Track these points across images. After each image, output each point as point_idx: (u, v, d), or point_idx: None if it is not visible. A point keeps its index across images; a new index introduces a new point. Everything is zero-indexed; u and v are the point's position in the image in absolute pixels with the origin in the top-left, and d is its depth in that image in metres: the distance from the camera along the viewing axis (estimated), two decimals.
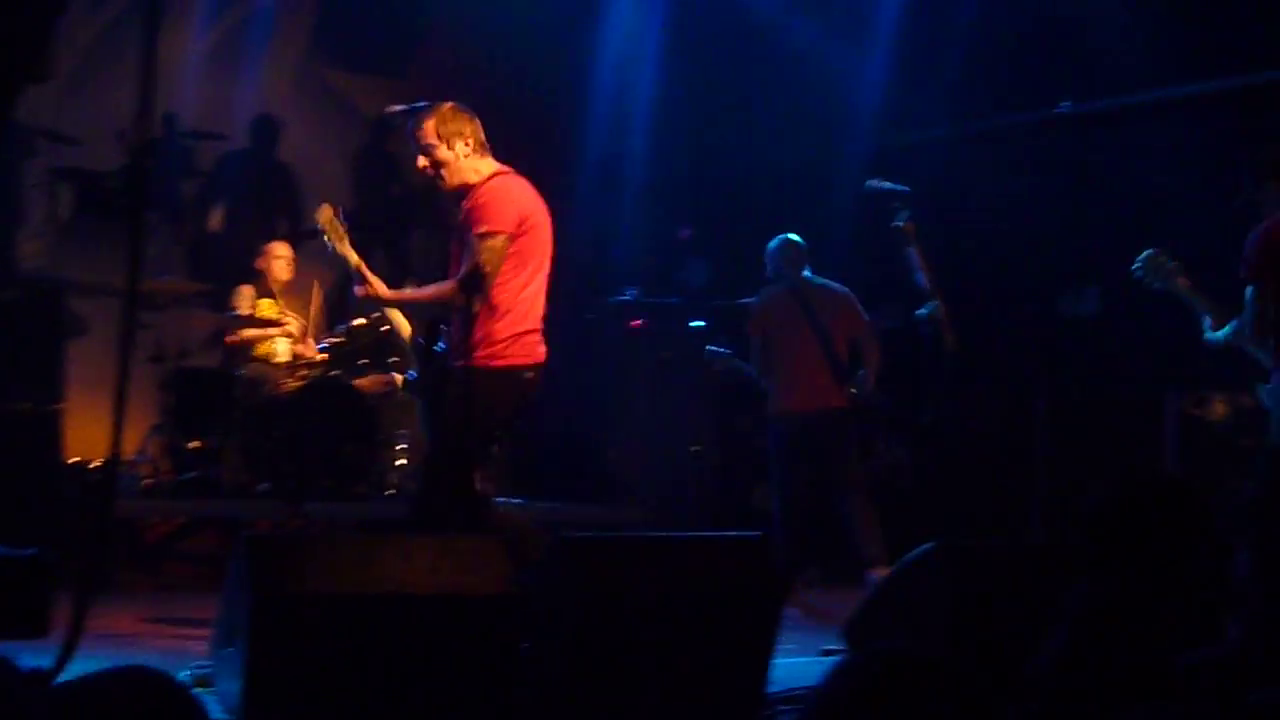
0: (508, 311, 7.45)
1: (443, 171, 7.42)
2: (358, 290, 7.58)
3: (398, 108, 7.59)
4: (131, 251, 4.57)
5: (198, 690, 6.11)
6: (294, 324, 11.58)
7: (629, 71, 13.91)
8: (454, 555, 5.72)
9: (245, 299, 11.57)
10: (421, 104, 7.32)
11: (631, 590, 5.98)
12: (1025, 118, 12.63)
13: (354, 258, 7.61)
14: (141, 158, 5.14)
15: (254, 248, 11.97)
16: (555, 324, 13.69)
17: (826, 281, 10.64)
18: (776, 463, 10.43)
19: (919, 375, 10.23)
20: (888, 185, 9.13)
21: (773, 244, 10.60)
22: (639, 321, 11.99)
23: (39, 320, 10.53)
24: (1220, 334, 7.69)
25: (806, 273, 10.56)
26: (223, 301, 11.76)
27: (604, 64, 13.92)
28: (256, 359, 11.45)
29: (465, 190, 7.45)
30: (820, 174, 13.27)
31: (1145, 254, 7.96)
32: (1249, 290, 7.28)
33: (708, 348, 11.05)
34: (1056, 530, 9.33)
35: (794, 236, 10.59)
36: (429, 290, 7.65)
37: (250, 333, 11.50)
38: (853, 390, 10.33)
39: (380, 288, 7.55)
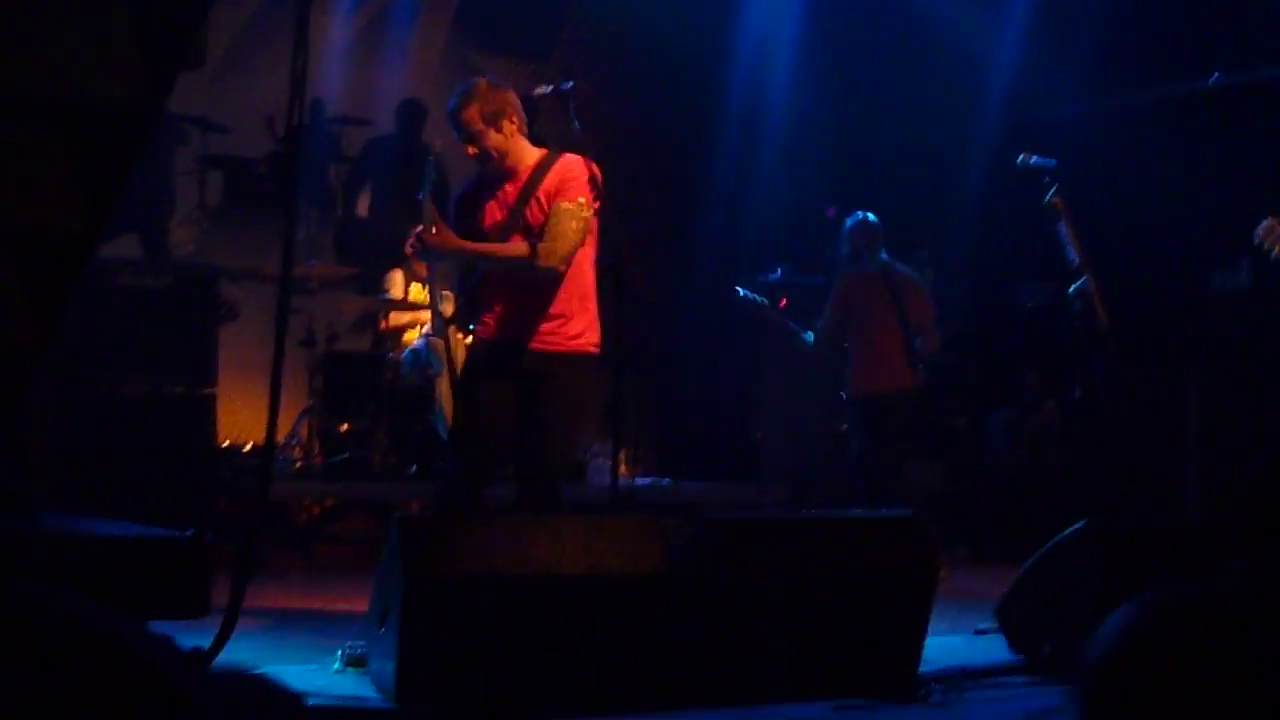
0: (588, 291, 7.23)
1: (495, 155, 7.11)
2: (426, 238, 7.22)
3: (544, 89, 7.51)
4: (284, 237, 4.61)
5: (351, 670, 6.19)
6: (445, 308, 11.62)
7: (769, 50, 13.87)
8: (606, 535, 5.73)
9: (397, 284, 11.63)
10: (567, 84, 7.26)
11: (781, 570, 5.97)
12: (1173, 90, 12.47)
13: (431, 206, 7.34)
14: (291, 144, 5.16)
15: (401, 232, 12.03)
16: (699, 303, 13.79)
17: (904, 267, 10.70)
18: (858, 439, 10.41)
19: (1069, 353, 10.11)
20: (1036, 160, 8.99)
21: (850, 222, 10.57)
22: (785, 301, 11.93)
23: (191, 306, 10.64)
24: None
25: (883, 255, 10.52)
26: (371, 285, 11.84)
27: (744, 43, 13.89)
28: (407, 343, 11.53)
29: (519, 168, 7.19)
30: (959, 150, 13.18)
31: (1264, 222, 7.92)
32: None
33: (739, 290, 10.90)
34: (1211, 508, 9.20)
35: (872, 216, 10.54)
36: (503, 249, 7.15)
37: (402, 317, 11.57)
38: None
39: (450, 236, 7.22)
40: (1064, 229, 8.73)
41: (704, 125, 13.92)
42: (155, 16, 3.45)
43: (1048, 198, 8.67)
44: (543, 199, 7.12)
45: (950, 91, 13.34)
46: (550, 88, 7.39)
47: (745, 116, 13.94)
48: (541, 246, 7.01)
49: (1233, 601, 2.47)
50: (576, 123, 7.11)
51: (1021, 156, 9.05)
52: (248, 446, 11.01)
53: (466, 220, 7.27)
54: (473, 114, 7.10)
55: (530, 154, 7.21)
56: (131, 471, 9.60)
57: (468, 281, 7.53)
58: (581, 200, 7.05)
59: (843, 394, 10.60)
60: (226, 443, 11.03)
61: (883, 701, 5.90)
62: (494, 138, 7.10)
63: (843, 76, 13.71)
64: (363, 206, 13.35)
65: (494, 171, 7.20)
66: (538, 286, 7.13)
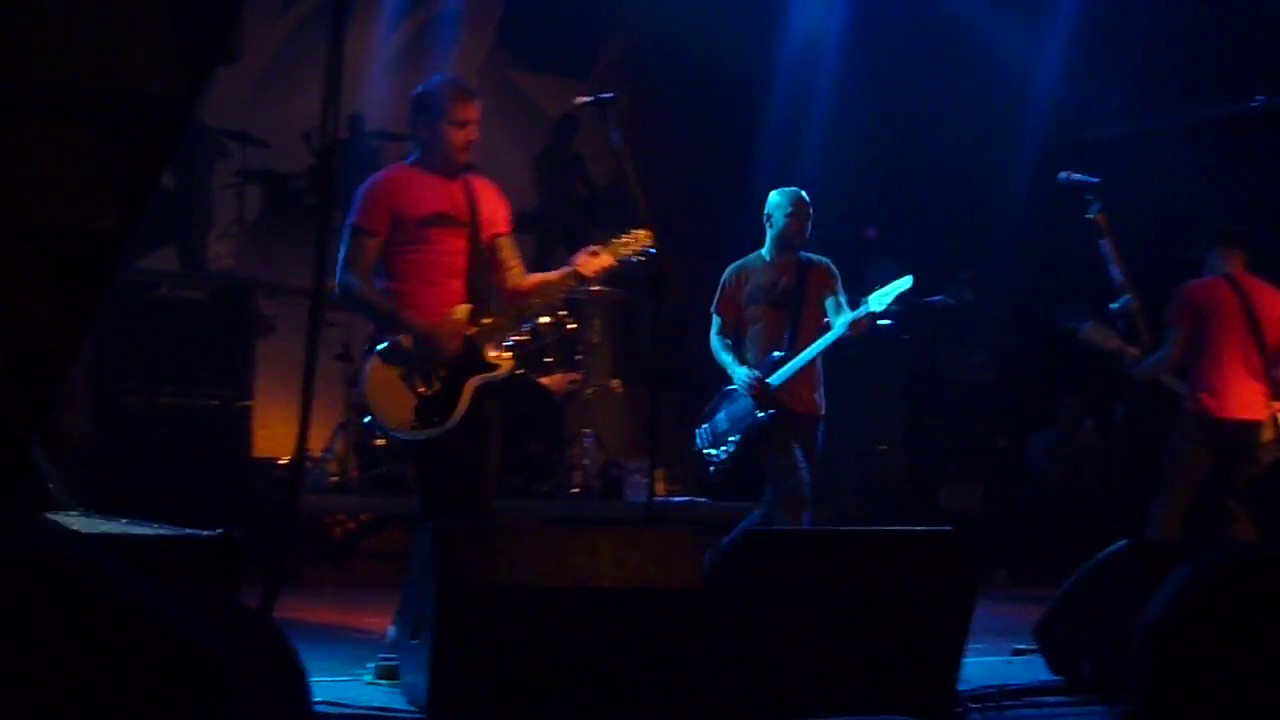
0: None
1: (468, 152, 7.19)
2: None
3: (584, 99, 7.48)
4: (318, 251, 4.59)
5: (384, 683, 6.16)
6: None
7: (810, 67, 13.86)
8: (641, 548, 5.68)
9: None
10: (607, 95, 7.23)
11: (817, 584, 5.91)
12: (1216, 112, 12.41)
13: None
14: (328, 158, 5.14)
15: None
16: None
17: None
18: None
19: (1112, 372, 10.00)
20: (1079, 177, 8.92)
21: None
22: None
23: (229, 319, 10.67)
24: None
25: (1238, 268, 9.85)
26: None
27: (785, 60, 13.87)
28: None
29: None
30: (1001, 169, 13.12)
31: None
32: None
33: (1079, 325, 10.20)
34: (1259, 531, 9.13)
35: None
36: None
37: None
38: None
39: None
40: (1107, 246, 8.68)
41: (744, 141, 13.90)
42: (190, 11, 3.42)
43: (1091, 213, 8.61)
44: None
45: (992, 112, 13.28)
46: (590, 98, 7.36)
47: (786, 134, 13.92)
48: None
49: None
50: (615, 134, 7.07)
51: (1064, 173, 8.99)
52: (283, 460, 10.98)
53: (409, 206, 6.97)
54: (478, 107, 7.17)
55: None
56: (167, 481, 9.62)
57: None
58: None
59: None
60: (263, 455, 11.00)
61: None
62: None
63: (884, 95, 13.66)
64: None
65: (449, 168, 7.12)
66: None
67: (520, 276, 7.05)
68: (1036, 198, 10.94)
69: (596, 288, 11.36)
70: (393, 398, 6.63)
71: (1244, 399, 9.07)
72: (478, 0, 13.83)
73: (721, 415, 8.78)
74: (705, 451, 8.85)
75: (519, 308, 7.07)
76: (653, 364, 7.18)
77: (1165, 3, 12.60)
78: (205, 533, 4.64)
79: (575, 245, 13.77)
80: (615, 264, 7.05)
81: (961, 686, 6.14)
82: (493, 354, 6.78)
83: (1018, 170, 12.95)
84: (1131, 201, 11.69)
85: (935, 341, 11.76)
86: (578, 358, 11.43)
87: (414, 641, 5.58)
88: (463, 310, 6.76)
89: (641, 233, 7.04)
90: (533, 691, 5.47)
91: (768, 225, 8.65)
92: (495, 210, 7.10)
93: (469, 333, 6.73)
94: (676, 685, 5.64)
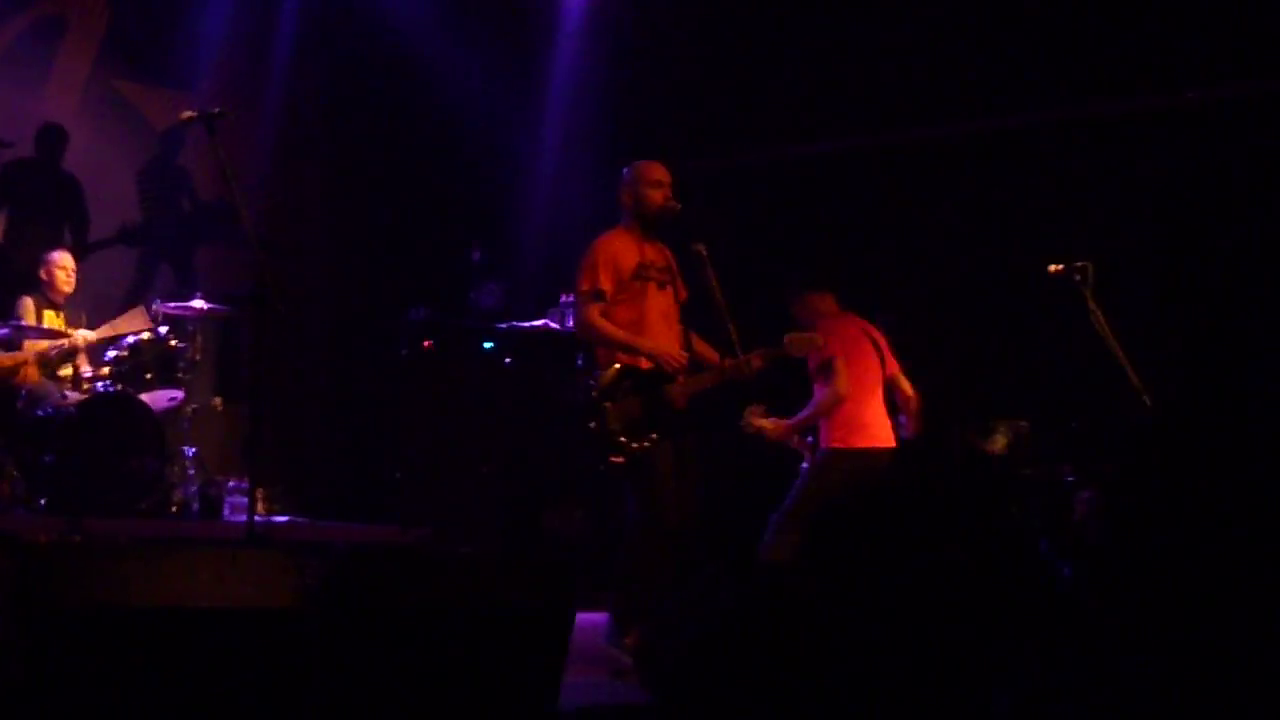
0: None
1: None
2: None
3: (190, 113, 7.40)
4: None
5: None
6: (78, 337, 11.33)
7: (418, 84, 13.89)
8: (239, 568, 5.62)
9: (29, 310, 11.33)
10: (216, 110, 7.18)
11: (419, 604, 5.93)
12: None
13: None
14: None
15: (35, 257, 11.74)
16: (344, 342, 13.72)
17: None
18: None
19: None
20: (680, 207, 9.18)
21: None
22: (429, 342, 11.94)
23: None
24: None
25: None
26: (5, 312, 11.50)
27: (380, 70, 13.90)
28: (28, 376, 11.21)
29: None
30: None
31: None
32: None
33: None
34: None
35: None
36: None
37: (37, 344, 11.25)
38: None
39: None
40: (708, 277, 8.88)
41: (358, 163, 13.88)
42: None
43: (692, 244, 8.80)
44: None
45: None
46: (196, 113, 7.29)
47: (402, 155, 13.95)
48: None
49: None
50: (220, 149, 7.02)
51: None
52: None
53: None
54: None
55: None
56: None
57: None
58: None
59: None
60: None
61: None
62: None
63: (492, 126, 13.82)
64: None
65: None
66: None
67: None
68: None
69: (201, 304, 11.25)
70: None
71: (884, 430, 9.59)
72: (84, 6, 13.50)
73: None
74: None
75: None
76: (252, 382, 7.12)
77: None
78: None
79: (180, 261, 13.61)
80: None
81: (561, 707, 6.22)
82: None
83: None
84: (729, 234, 12.02)
85: (539, 363, 11.87)
86: (180, 375, 11.24)
87: None
88: None
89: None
90: (126, 716, 5.37)
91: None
92: None
93: None
94: (277, 708, 5.60)
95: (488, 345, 12.33)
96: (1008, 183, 11.73)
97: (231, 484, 11.63)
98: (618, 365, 8.32)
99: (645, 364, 8.29)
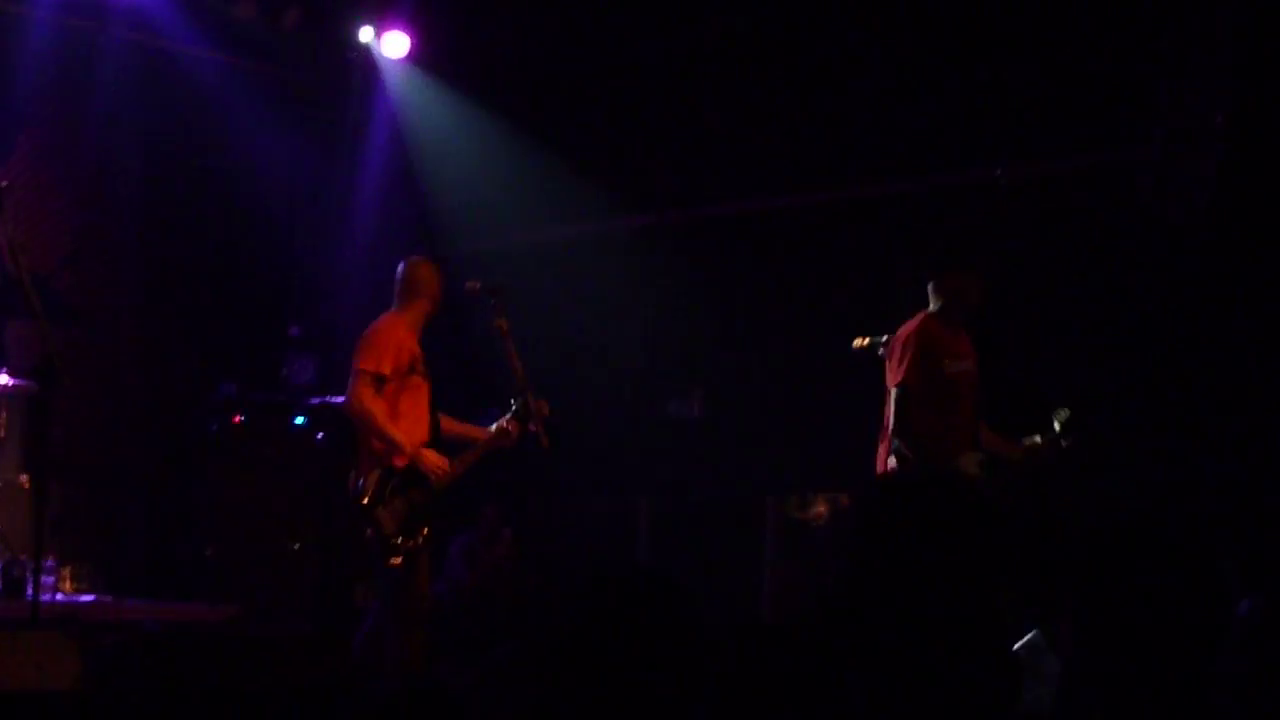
0: None
1: None
2: None
3: None
4: None
5: None
6: None
7: (236, 158, 13.80)
8: (20, 650, 5.56)
9: None
10: (4, 183, 7.12)
11: (201, 683, 5.89)
12: (638, 220, 12.91)
13: None
14: None
15: None
16: (154, 416, 13.56)
17: None
18: None
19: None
20: (482, 283, 9.31)
21: None
22: (239, 417, 11.85)
23: None
24: None
25: None
26: None
27: (196, 144, 13.82)
28: None
29: None
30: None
31: None
32: None
33: None
34: None
35: None
36: None
37: None
38: None
39: None
40: (506, 347, 8.98)
41: (152, 230, 13.76)
42: None
43: (493, 318, 8.87)
44: None
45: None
46: None
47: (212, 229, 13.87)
48: None
49: None
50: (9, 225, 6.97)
51: (468, 283, 9.33)
52: None
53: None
54: None
55: None
56: None
57: None
58: None
59: None
60: None
61: None
62: None
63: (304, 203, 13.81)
64: None
65: None
66: None
67: None
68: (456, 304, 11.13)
69: (4, 379, 11.09)
70: None
71: None
72: None
73: None
74: None
75: None
76: (46, 459, 7.06)
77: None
78: None
79: None
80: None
81: None
82: None
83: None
84: (549, 307, 12.08)
85: (352, 439, 11.85)
86: None
87: None
88: None
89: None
90: None
91: None
92: None
93: None
94: None
95: (299, 420, 12.26)
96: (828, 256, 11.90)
97: (49, 563, 11.42)
98: (376, 472, 8.60)
99: (400, 461, 8.47)
